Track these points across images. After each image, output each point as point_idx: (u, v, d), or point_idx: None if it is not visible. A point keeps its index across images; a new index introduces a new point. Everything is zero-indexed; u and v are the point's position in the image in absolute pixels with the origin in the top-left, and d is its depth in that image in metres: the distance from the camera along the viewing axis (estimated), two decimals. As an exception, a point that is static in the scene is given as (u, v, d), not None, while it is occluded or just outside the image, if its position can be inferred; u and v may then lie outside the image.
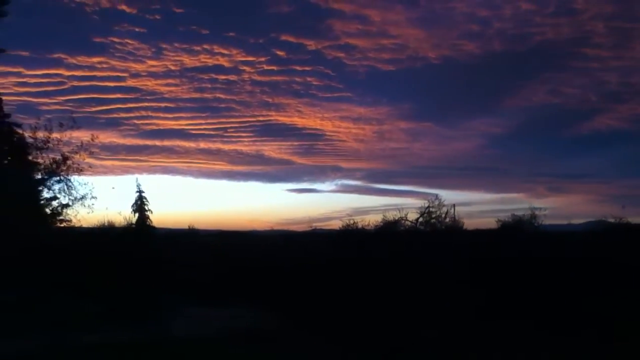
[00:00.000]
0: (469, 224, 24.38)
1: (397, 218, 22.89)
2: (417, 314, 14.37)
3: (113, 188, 31.58)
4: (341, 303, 15.62)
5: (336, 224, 25.45)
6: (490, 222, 25.11)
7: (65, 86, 51.07)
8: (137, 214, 32.77)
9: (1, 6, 19.33)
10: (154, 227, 32.58)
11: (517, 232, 21.91)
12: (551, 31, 59.00)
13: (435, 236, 21.61)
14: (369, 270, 18.21)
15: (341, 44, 56.09)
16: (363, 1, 57.81)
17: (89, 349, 12.03)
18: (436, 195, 22.89)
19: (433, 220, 22.40)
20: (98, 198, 27.20)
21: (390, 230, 22.81)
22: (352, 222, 23.37)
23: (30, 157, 28.43)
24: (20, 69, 47.43)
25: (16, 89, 47.36)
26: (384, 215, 23.04)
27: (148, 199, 33.36)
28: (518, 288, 15.89)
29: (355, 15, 58.13)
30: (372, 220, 23.82)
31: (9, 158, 29.00)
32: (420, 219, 22.49)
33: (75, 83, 51.28)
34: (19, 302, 17.28)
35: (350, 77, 60.54)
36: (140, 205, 32.98)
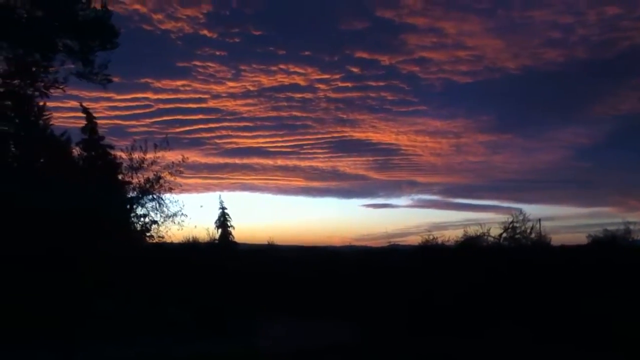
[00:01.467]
0: (556, 239, 23.53)
1: (478, 233, 22.39)
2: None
3: (201, 206, 32.93)
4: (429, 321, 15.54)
5: (414, 240, 25.20)
6: (578, 238, 24.04)
7: (152, 109, 54.22)
8: (220, 230, 33.96)
9: (114, 37, 20.84)
10: (236, 242, 33.58)
11: (610, 248, 20.79)
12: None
13: (521, 253, 20.90)
14: (451, 286, 17.97)
15: (415, 58, 56.40)
16: (437, 14, 57.07)
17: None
18: (520, 210, 22.21)
19: (517, 236, 21.71)
20: (188, 216, 28.37)
21: (471, 247, 22.31)
22: (431, 237, 23.09)
23: (121, 177, 30.29)
24: (112, 94, 50.20)
25: (108, 112, 50.53)
26: (465, 230, 22.58)
27: (230, 215, 34.63)
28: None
29: (429, 29, 57.02)
30: (452, 235, 23.42)
31: (103, 177, 30.96)
32: (504, 235, 21.88)
33: (161, 106, 54.47)
34: (117, 311, 18.29)
35: (426, 90, 60.70)
36: (223, 221, 34.16)
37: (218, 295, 20.41)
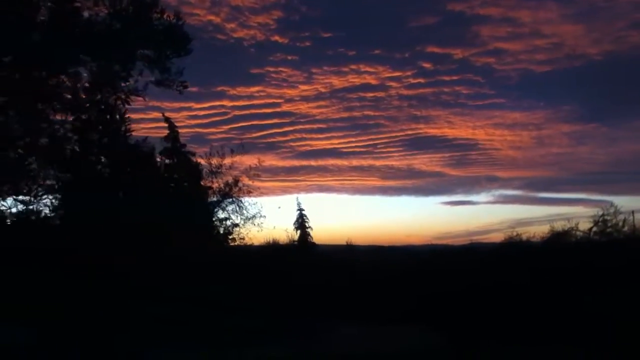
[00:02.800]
0: None
1: (566, 229, 21.04)
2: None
3: (279, 207, 33.80)
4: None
5: (496, 237, 23.99)
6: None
7: (229, 116, 57.31)
8: (298, 231, 34.30)
9: (187, 44, 21.69)
10: (314, 244, 33.73)
11: None
12: None
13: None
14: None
15: (490, 50, 56.14)
16: (512, 3, 54.94)
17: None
18: (610, 202, 20.65)
19: (609, 230, 20.18)
20: (266, 217, 29.09)
21: (559, 243, 21.00)
22: (515, 234, 21.97)
23: (202, 182, 31.43)
24: (191, 104, 53.79)
25: (188, 121, 53.80)
26: (551, 226, 21.29)
27: (308, 216, 34.94)
28: None
29: (503, 19, 56.34)
30: (537, 231, 22.11)
31: (186, 183, 32.26)
32: (594, 229, 20.42)
33: (237, 112, 57.20)
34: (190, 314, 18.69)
35: (502, 82, 59.72)
36: (301, 222, 34.48)
37: (294, 298, 20.62)
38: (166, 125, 32.36)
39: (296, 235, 33.94)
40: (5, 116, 19.98)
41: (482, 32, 55.34)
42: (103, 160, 26.20)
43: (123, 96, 22.90)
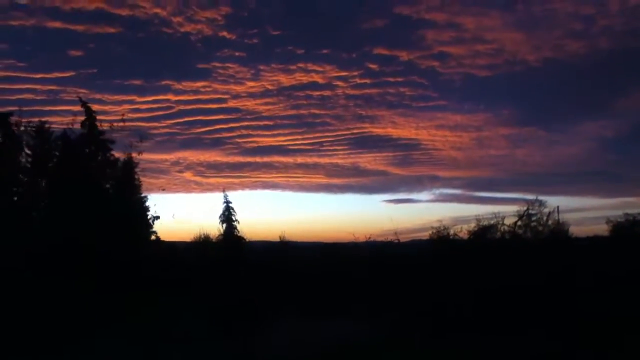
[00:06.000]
0: (582, 231, 22.72)
1: (492, 223, 21.31)
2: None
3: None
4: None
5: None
6: (603, 229, 22.78)
7: (173, 110, 54.91)
8: (224, 225, 33.15)
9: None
10: (242, 238, 32.72)
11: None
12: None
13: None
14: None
15: (434, 53, 56.10)
16: (456, 9, 56.71)
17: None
18: (536, 197, 21.10)
19: (533, 224, 20.63)
20: (200, 214, 29.72)
21: (483, 239, 21.26)
22: (442, 228, 21.99)
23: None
24: (134, 97, 51.87)
25: (130, 115, 51.02)
26: (477, 221, 21.51)
27: (235, 209, 33.83)
28: None
29: (448, 24, 56.63)
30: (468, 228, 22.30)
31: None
32: (519, 222, 20.80)
33: (182, 107, 54.90)
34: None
35: (445, 85, 59.82)
36: (227, 215, 33.33)
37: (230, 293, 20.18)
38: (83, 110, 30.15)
39: (222, 228, 32.91)
40: None
41: (428, 36, 55.80)
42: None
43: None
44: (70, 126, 28.63)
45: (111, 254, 23.23)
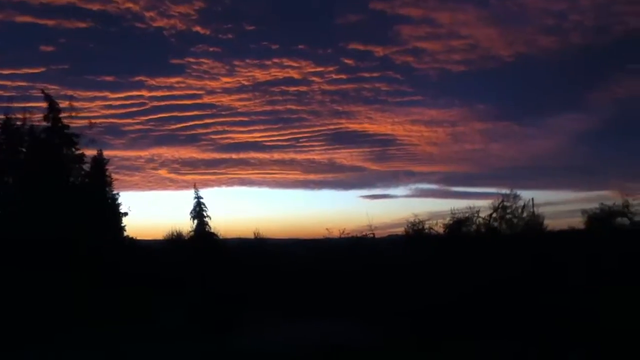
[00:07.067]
0: (556, 224, 22.63)
1: (467, 216, 20.88)
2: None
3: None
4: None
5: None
6: (578, 222, 22.61)
7: (147, 107, 53.91)
8: (196, 221, 32.49)
9: None
10: (214, 234, 32.05)
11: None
12: (635, 20, 54.98)
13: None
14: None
15: (410, 49, 55.94)
16: (431, 4, 56.69)
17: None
18: (511, 190, 20.71)
19: (508, 216, 20.25)
20: (176, 212, 28.97)
21: (458, 232, 20.81)
22: (418, 222, 21.46)
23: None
24: (106, 93, 50.69)
25: (103, 111, 50.63)
26: (452, 213, 21.04)
27: (206, 205, 33.16)
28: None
29: (423, 19, 57.57)
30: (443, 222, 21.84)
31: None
32: (494, 215, 20.40)
33: (156, 103, 53.96)
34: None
35: (421, 80, 59.74)
36: (199, 211, 32.66)
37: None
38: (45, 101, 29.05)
39: (193, 224, 32.26)
40: None
41: (403, 32, 56.32)
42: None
43: None
44: (38, 123, 27.95)
45: (79, 248, 22.63)
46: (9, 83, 41.85)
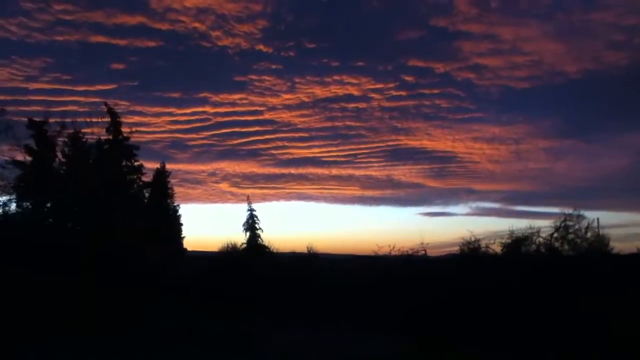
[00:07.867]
0: (624, 247, 21.63)
1: (526, 235, 19.97)
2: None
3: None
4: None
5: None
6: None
7: (211, 122, 55.42)
8: (248, 233, 32.70)
9: None
10: (265, 246, 32.14)
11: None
12: None
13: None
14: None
15: (471, 65, 55.57)
16: (493, 20, 55.31)
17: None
18: (575, 210, 19.68)
19: (571, 236, 19.24)
20: (233, 223, 28.90)
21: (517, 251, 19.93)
22: (473, 240, 20.68)
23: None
24: (172, 109, 52.93)
25: (169, 126, 52.84)
26: (510, 232, 20.17)
27: (259, 217, 33.35)
28: None
29: (485, 35, 55.61)
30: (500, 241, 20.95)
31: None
32: (555, 235, 19.43)
33: (219, 119, 55.37)
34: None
35: (482, 97, 59.16)
36: (251, 224, 32.86)
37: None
38: (108, 115, 30.18)
39: (246, 236, 32.48)
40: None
41: (464, 48, 55.64)
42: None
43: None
44: (101, 138, 29.04)
45: (129, 258, 23.10)
46: (82, 99, 44.04)
